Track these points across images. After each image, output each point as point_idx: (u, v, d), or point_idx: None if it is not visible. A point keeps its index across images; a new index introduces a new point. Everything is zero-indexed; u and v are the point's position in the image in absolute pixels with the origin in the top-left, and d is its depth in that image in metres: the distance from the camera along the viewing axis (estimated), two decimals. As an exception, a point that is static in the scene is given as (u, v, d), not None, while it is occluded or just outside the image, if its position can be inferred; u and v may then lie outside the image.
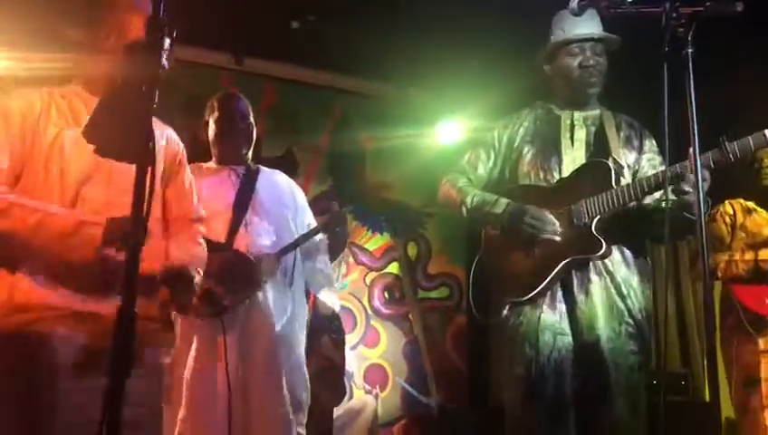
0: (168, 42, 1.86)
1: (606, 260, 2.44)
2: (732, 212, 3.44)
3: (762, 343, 3.23)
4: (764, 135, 2.19)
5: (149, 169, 1.21)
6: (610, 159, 2.50)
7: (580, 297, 2.43)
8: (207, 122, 2.94)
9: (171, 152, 2.14)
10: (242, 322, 2.67)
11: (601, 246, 2.39)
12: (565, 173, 2.55)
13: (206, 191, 2.82)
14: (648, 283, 2.53)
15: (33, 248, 1.80)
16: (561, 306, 2.45)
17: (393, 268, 5.75)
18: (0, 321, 1.81)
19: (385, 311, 5.63)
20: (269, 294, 2.72)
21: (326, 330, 4.15)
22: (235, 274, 2.62)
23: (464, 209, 2.62)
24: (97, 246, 1.77)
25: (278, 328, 2.71)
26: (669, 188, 2.23)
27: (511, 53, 3.77)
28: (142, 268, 1.24)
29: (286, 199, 2.98)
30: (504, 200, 2.54)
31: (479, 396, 5.51)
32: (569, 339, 2.43)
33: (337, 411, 4.35)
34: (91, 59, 2.00)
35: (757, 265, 3.24)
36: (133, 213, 1.20)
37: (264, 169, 3.00)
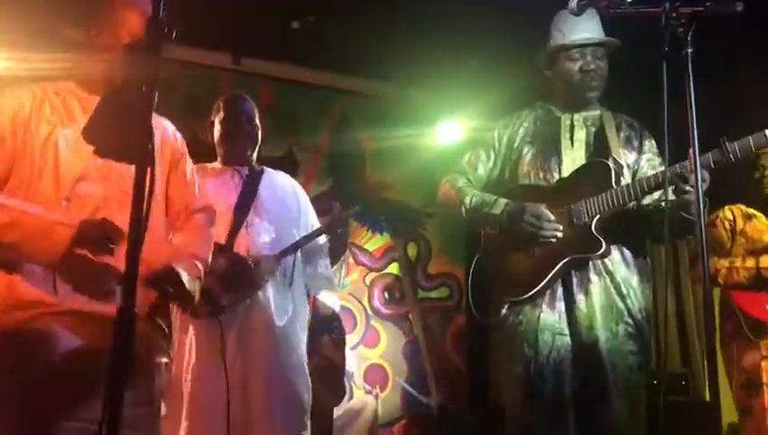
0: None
1: (605, 260, 2.44)
2: (732, 218, 3.43)
3: (763, 347, 3.22)
4: (765, 135, 2.19)
5: (149, 169, 1.21)
6: (610, 160, 2.50)
7: (579, 297, 2.43)
8: (213, 123, 2.95)
9: (170, 146, 2.14)
10: (241, 321, 2.67)
11: (601, 246, 2.39)
12: (565, 173, 2.55)
13: (209, 192, 2.83)
14: (648, 283, 2.53)
15: (4, 247, 1.78)
16: (561, 306, 2.45)
17: (393, 268, 5.75)
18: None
19: (385, 311, 5.63)
20: (269, 295, 2.72)
21: (326, 330, 4.15)
22: (234, 274, 2.63)
23: (463, 210, 2.61)
24: (64, 249, 1.76)
25: (278, 328, 2.71)
26: (669, 188, 2.23)
27: (511, 53, 3.77)
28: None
29: (289, 201, 2.98)
30: (502, 200, 2.54)
31: (479, 396, 5.51)
32: (568, 339, 2.43)
33: (337, 412, 4.35)
34: (86, 56, 2.00)
35: (759, 273, 3.23)
36: (133, 214, 1.19)
37: (268, 170, 3.00)
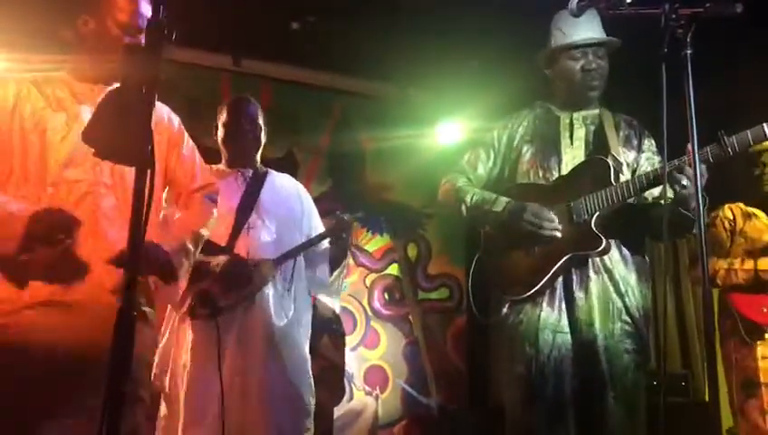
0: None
1: (605, 258, 2.44)
2: (731, 217, 3.42)
3: (760, 348, 3.22)
4: (763, 129, 2.19)
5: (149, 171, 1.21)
6: (609, 157, 2.50)
7: (579, 295, 2.44)
8: (218, 126, 2.96)
9: (165, 129, 2.15)
10: (239, 324, 2.67)
11: (601, 243, 2.39)
12: (564, 172, 2.55)
13: None
14: (647, 282, 2.53)
15: None
16: (561, 304, 2.46)
17: (393, 269, 5.75)
18: None
19: (385, 312, 5.63)
20: (269, 298, 2.72)
21: (326, 331, 4.15)
22: (232, 276, 2.63)
23: (463, 208, 2.62)
24: (17, 242, 1.75)
25: (278, 329, 2.71)
26: (668, 184, 2.23)
27: (511, 54, 3.77)
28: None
29: (292, 203, 2.98)
30: (503, 199, 2.55)
31: (479, 397, 5.51)
32: (568, 337, 2.43)
33: (337, 412, 4.35)
34: (76, 48, 2.01)
35: (757, 275, 3.23)
36: (133, 215, 1.20)
37: (272, 172, 3.00)
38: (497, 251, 2.60)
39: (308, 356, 2.84)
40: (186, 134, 2.23)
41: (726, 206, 3.46)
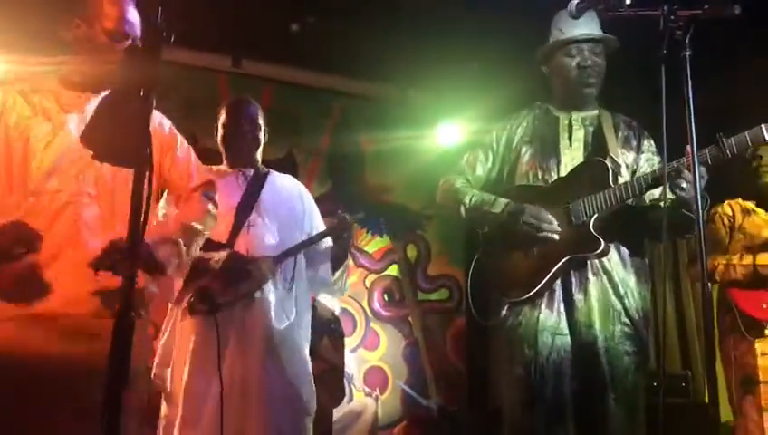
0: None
1: (603, 260, 2.44)
2: (731, 213, 3.43)
3: (759, 345, 3.22)
4: (761, 130, 2.20)
5: (147, 173, 1.21)
6: (608, 159, 2.50)
7: (578, 297, 2.43)
8: (218, 127, 2.96)
9: (158, 134, 2.14)
10: (239, 321, 2.66)
11: (600, 245, 2.39)
12: (563, 173, 2.55)
13: None
14: (646, 283, 2.53)
15: None
16: (560, 306, 2.45)
17: (393, 270, 5.75)
18: None
19: (385, 313, 5.63)
20: (269, 296, 2.71)
21: (325, 332, 4.15)
22: (231, 272, 2.63)
23: (462, 210, 2.62)
24: None
25: (279, 331, 2.70)
26: (667, 185, 2.23)
27: (511, 56, 3.77)
28: None
29: (293, 203, 2.98)
30: (502, 200, 2.55)
31: (479, 398, 5.51)
32: (567, 339, 2.43)
33: (337, 414, 4.34)
34: (72, 47, 2.01)
35: (755, 270, 3.24)
36: (131, 217, 1.20)
37: (273, 172, 3.00)
38: (496, 253, 2.60)
39: (308, 358, 2.84)
40: (179, 136, 2.22)
41: (726, 202, 3.46)
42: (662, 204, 2.33)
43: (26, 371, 1.77)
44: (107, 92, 1.76)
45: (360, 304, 5.56)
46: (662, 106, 1.85)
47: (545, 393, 2.39)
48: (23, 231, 1.79)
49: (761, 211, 3.42)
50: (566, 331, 2.43)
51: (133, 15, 1.99)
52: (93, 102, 1.98)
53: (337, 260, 2.97)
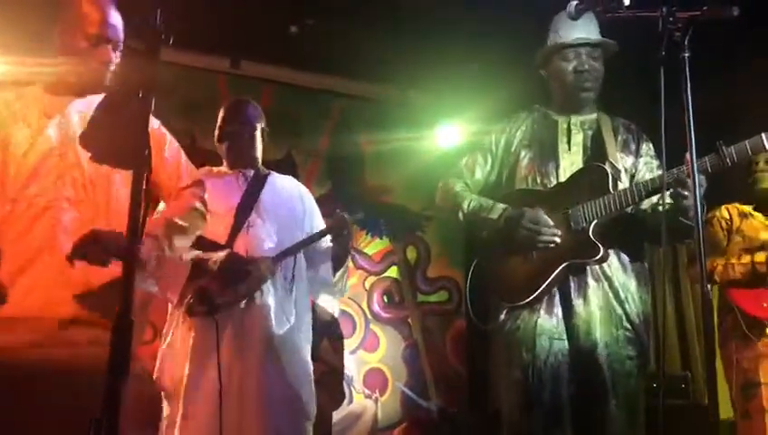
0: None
1: (604, 265, 2.44)
2: (728, 217, 3.44)
3: (760, 346, 3.22)
4: (761, 139, 2.19)
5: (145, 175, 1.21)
6: (607, 164, 2.50)
7: (577, 302, 2.43)
8: (216, 128, 2.97)
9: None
10: (238, 322, 2.66)
11: (599, 251, 2.38)
12: (562, 177, 2.55)
13: (212, 194, 2.83)
14: (646, 287, 2.52)
15: None
16: (559, 311, 2.45)
17: (392, 272, 5.75)
18: None
19: (384, 315, 5.63)
20: (269, 298, 2.71)
21: (325, 334, 4.14)
22: (229, 273, 2.63)
23: (461, 214, 2.61)
24: None
25: (279, 332, 2.70)
26: (667, 193, 2.23)
27: (510, 58, 3.78)
28: None
29: (293, 204, 2.98)
30: (500, 205, 2.54)
31: (479, 400, 5.51)
32: (565, 344, 2.42)
33: (337, 416, 4.34)
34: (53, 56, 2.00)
35: (754, 268, 3.24)
36: (130, 219, 1.20)
37: (274, 173, 3.00)
38: (495, 257, 2.59)
39: (309, 359, 2.83)
40: (168, 136, 2.20)
41: (723, 206, 3.47)
42: (661, 208, 2.32)
43: (2, 375, 1.76)
44: (105, 95, 1.77)
45: (360, 306, 5.56)
46: (661, 108, 1.85)
47: (543, 397, 2.39)
48: None
49: (758, 215, 3.42)
50: (564, 335, 2.43)
51: (116, 19, 1.98)
52: (76, 104, 1.98)
53: (338, 260, 2.96)
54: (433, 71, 4.94)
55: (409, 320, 5.69)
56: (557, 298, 2.45)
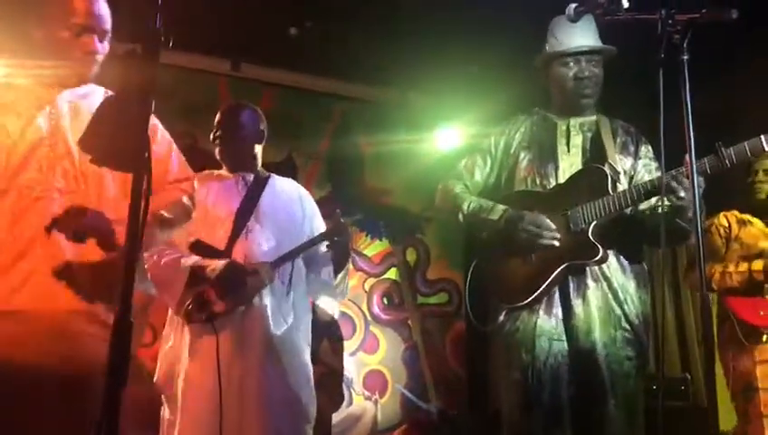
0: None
1: (603, 266, 2.44)
2: (727, 224, 3.44)
3: (758, 352, 3.22)
4: (761, 141, 2.20)
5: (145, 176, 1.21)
6: (606, 165, 2.50)
7: (576, 302, 2.43)
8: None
9: None
10: (237, 328, 2.66)
11: (598, 252, 2.39)
12: (561, 179, 2.55)
13: (212, 198, 2.83)
14: (645, 288, 2.53)
15: None
16: (558, 312, 2.45)
17: (392, 274, 5.75)
18: None
19: (384, 317, 5.63)
20: (267, 302, 2.71)
21: (325, 336, 4.15)
22: (228, 281, 2.63)
23: (460, 216, 2.62)
24: None
25: (278, 335, 2.70)
26: (665, 194, 2.23)
27: (510, 60, 3.78)
28: None
29: (293, 208, 2.97)
30: (500, 206, 2.55)
31: (479, 401, 5.51)
32: (565, 344, 2.43)
33: (336, 417, 4.34)
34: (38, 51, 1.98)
35: (751, 276, 3.24)
36: (129, 221, 1.20)
37: (274, 177, 3.00)
38: (495, 258, 2.60)
39: (309, 361, 2.83)
40: (160, 129, 2.18)
41: (722, 213, 3.47)
42: (659, 210, 2.33)
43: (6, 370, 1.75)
44: (105, 97, 1.76)
45: (360, 308, 5.56)
46: (660, 111, 1.86)
47: (543, 398, 2.39)
48: None
49: (757, 221, 3.42)
50: (563, 336, 2.43)
51: (101, 8, 1.97)
52: (66, 95, 1.98)
53: (338, 263, 2.95)
54: (433, 73, 4.95)
55: (409, 322, 5.69)
56: (556, 299, 2.46)
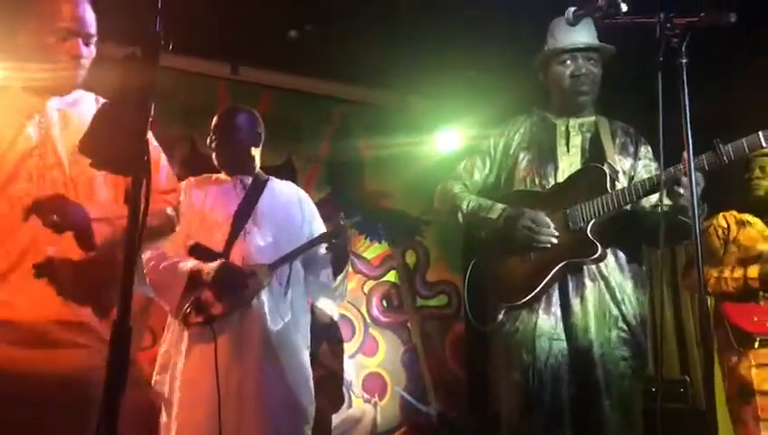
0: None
1: (600, 265, 2.45)
2: (725, 225, 3.43)
3: (752, 356, 3.22)
4: (759, 137, 2.21)
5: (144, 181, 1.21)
6: (606, 165, 2.51)
7: (574, 301, 2.44)
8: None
9: None
10: (235, 330, 2.66)
11: (597, 250, 2.40)
12: (561, 179, 2.56)
13: (209, 201, 2.83)
14: (643, 289, 2.53)
15: None
16: (557, 311, 2.46)
17: (391, 276, 5.75)
18: None
19: (383, 319, 5.63)
20: (264, 304, 2.71)
21: (324, 338, 4.15)
22: (225, 284, 2.63)
23: (460, 215, 2.63)
24: None
25: (274, 334, 2.70)
26: (664, 192, 2.24)
27: (509, 63, 3.79)
28: None
29: (292, 210, 2.97)
30: (499, 205, 2.56)
31: (478, 404, 5.50)
32: (564, 344, 2.43)
33: (336, 420, 4.34)
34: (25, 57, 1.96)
35: (746, 283, 3.23)
36: (129, 225, 1.20)
37: (273, 179, 3.00)
38: (493, 257, 2.61)
39: (307, 362, 2.83)
40: (150, 138, 2.16)
41: (721, 214, 3.46)
42: (658, 208, 2.33)
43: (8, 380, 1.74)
44: (105, 101, 1.76)
45: (359, 310, 5.56)
46: (659, 113, 1.86)
47: (543, 399, 2.39)
48: None
49: (756, 223, 3.41)
50: (563, 336, 2.44)
51: (86, 12, 1.95)
52: (55, 102, 1.97)
53: (337, 265, 2.95)
54: (432, 76, 4.95)
55: (408, 324, 5.69)
56: (555, 298, 2.47)
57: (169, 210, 2.13)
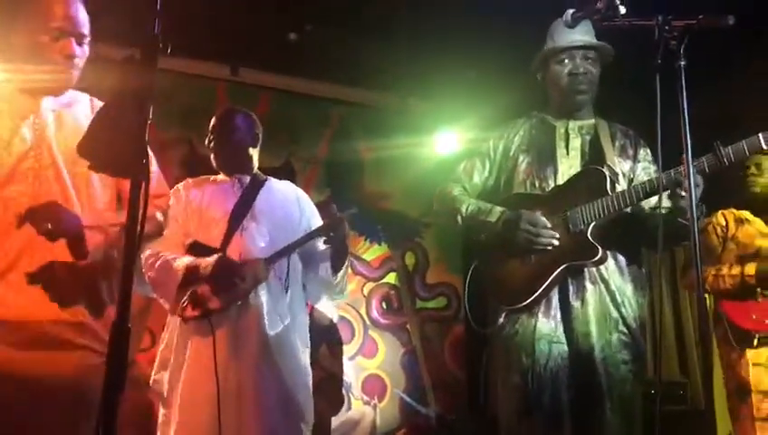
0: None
1: (601, 268, 2.45)
2: (724, 223, 3.43)
3: (750, 355, 3.22)
4: (758, 139, 2.21)
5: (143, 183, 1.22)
6: (605, 167, 2.51)
7: (575, 305, 2.44)
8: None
9: None
10: (233, 324, 2.66)
11: (597, 252, 2.40)
12: (560, 181, 2.56)
13: (207, 199, 2.84)
14: (642, 291, 2.53)
15: None
16: (557, 314, 2.46)
17: (391, 278, 5.75)
18: None
19: (383, 321, 5.63)
20: (262, 299, 2.71)
21: (324, 340, 4.15)
22: (221, 277, 2.63)
23: (459, 218, 2.63)
24: None
25: (273, 333, 2.70)
26: (664, 194, 2.24)
27: (508, 65, 3.79)
28: None
29: (290, 206, 2.98)
30: (498, 209, 2.56)
31: (478, 406, 5.50)
32: (564, 347, 2.43)
33: (335, 422, 4.34)
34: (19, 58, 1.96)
35: (743, 280, 3.23)
36: (127, 227, 1.20)
37: (271, 179, 3.01)
38: (493, 260, 2.60)
39: (307, 362, 2.83)
40: None
41: (719, 212, 3.47)
42: (658, 210, 2.33)
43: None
44: (104, 103, 1.76)
45: (359, 312, 5.56)
46: (657, 116, 1.86)
47: (542, 402, 2.39)
48: None
49: (754, 220, 3.41)
50: (563, 339, 2.44)
51: (79, 12, 1.95)
52: (50, 103, 1.97)
53: (336, 259, 2.94)
54: (432, 78, 4.96)
55: (408, 326, 5.69)
56: (555, 301, 2.46)
57: (158, 215, 2.13)
